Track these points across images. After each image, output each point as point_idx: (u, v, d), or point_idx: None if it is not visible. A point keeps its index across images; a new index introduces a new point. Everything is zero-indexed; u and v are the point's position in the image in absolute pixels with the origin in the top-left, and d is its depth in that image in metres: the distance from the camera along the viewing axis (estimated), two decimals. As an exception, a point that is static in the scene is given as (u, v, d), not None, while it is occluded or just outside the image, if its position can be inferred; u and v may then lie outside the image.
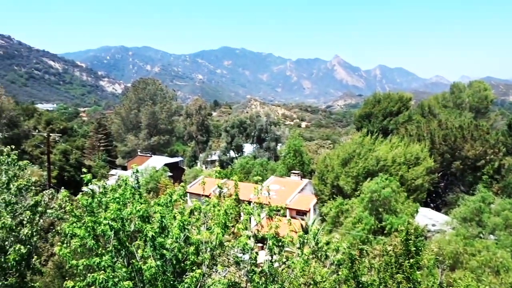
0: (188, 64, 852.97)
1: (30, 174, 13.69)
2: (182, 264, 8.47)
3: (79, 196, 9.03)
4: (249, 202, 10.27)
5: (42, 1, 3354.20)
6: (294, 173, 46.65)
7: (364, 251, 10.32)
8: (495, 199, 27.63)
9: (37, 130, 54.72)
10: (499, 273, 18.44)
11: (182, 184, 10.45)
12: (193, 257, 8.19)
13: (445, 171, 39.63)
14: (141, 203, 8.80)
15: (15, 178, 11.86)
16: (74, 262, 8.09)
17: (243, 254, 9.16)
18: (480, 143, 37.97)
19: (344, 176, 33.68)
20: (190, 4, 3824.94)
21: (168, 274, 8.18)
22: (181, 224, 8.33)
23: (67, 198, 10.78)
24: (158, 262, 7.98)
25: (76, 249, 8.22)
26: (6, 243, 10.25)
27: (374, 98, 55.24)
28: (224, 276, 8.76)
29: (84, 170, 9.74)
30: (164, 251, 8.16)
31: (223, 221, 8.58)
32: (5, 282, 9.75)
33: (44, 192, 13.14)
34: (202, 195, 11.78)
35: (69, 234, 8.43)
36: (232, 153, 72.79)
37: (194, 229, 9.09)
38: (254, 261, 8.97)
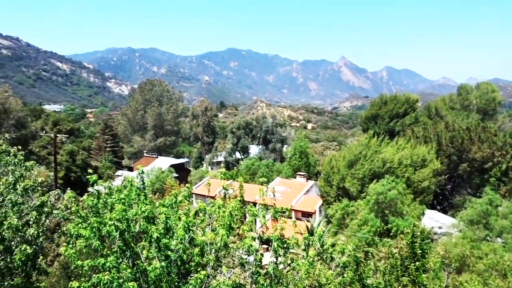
0: (194, 65, 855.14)
1: (36, 174, 13.75)
2: (187, 266, 8.46)
3: (84, 197, 9.05)
4: (255, 204, 10.26)
5: (51, 3, 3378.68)
6: (299, 174, 46.58)
7: (370, 254, 10.24)
8: (503, 202, 27.44)
9: (44, 131, 55.06)
10: (507, 276, 18.30)
11: (187, 185, 10.45)
12: (197, 258, 8.18)
13: (452, 173, 39.41)
14: (146, 204, 8.80)
15: (22, 179, 11.91)
16: (79, 262, 8.11)
17: (248, 255, 9.14)
18: (487, 145, 37.71)
19: (350, 178, 33.58)
20: (196, 6, 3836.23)
21: (173, 275, 8.18)
22: (186, 225, 8.33)
23: (73, 199, 10.81)
24: (163, 263, 7.98)
25: (81, 249, 8.23)
26: (12, 243, 10.29)
27: (380, 100, 55.04)
28: (229, 278, 8.74)
29: (90, 171, 9.75)
30: (169, 252, 8.16)
31: (228, 223, 8.56)
32: (11, 282, 9.79)
33: (50, 192, 13.19)
34: (208, 196, 11.78)
35: (74, 235, 8.46)
36: (238, 155, 72.81)
37: (199, 231, 9.09)
38: (259, 263, 8.94)
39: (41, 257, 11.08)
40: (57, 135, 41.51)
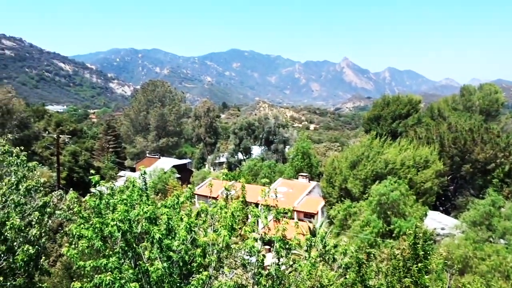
0: (197, 66, 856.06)
1: (39, 175, 13.79)
2: (189, 266, 8.47)
3: (87, 197, 9.07)
4: (257, 205, 10.26)
5: (54, 4, 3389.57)
6: (302, 175, 46.56)
7: (372, 255, 10.23)
8: (506, 203, 27.36)
9: (47, 132, 55.15)
10: (509, 278, 18.25)
11: (189, 186, 10.47)
12: (199, 259, 8.18)
13: (454, 174, 39.33)
14: (148, 205, 8.81)
15: (24, 179, 11.93)
16: (81, 263, 8.13)
17: (250, 256, 9.14)
18: (490, 146, 37.62)
19: (352, 178, 33.55)
20: (199, 7, 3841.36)
21: (175, 276, 8.18)
22: (188, 226, 8.34)
23: (75, 199, 10.82)
24: (165, 264, 7.99)
25: (83, 250, 8.25)
26: (15, 243, 10.31)
27: (383, 101, 54.98)
28: (231, 279, 8.74)
29: (92, 171, 9.76)
30: (171, 253, 8.17)
31: (230, 224, 8.57)
32: (14, 283, 9.81)
33: (53, 193, 13.21)
34: (210, 197, 11.78)
35: (76, 235, 8.47)
36: (240, 155, 72.82)
37: (201, 231, 9.09)
38: (261, 264, 8.94)
39: (43, 257, 11.09)
40: (60, 135, 41.60)
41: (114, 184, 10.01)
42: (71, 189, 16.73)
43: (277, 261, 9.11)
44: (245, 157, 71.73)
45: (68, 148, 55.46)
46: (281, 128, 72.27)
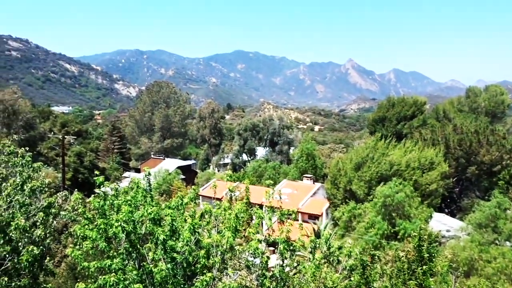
0: (201, 67, 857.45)
1: (44, 175, 13.83)
2: (193, 268, 8.46)
3: (91, 198, 9.09)
4: (261, 206, 10.24)
5: (60, 5, 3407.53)
6: (306, 177, 46.49)
7: (376, 257, 10.19)
8: (511, 205, 27.19)
9: (52, 133, 55.48)
10: (515, 280, 18.11)
11: (194, 187, 10.46)
12: (203, 260, 8.18)
13: (460, 176, 39.14)
14: (153, 206, 8.82)
15: (29, 180, 11.99)
16: (85, 264, 8.14)
17: (254, 258, 9.12)
18: (496, 148, 37.42)
19: (357, 180, 33.46)
20: (204, 8, 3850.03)
21: (179, 277, 8.18)
22: (192, 227, 8.34)
23: (80, 200, 10.85)
24: (169, 265, 7.99)
25: (88, 251, 8.27)
26: (20, 244, 10.35)
27: (388, 102, 54.81)
28: (235, 280, 8.73)
29: (97, 172, 9.79)
30: (175, 254, 8.16)
31: (234, 225, 8.56)
32: (18, 283, 9.84)
33: (57, 193, 13.26)
34: (214, 198, 11.78)
35: (81, 236, 8.49)
36: (244, 156, 72.85)
37: (205, 233, 9.09)
38: (265, 265, 8.92)
39: (48, 258, 11.14)
40: (65, 136, 41.79)
41: (118, 185, 10.04)
42: (76, 190, 16.78)
43: (281, 262, 9.09)
44: (249, 158, 71.74)
45: (73, 149, 55.70)
46: (286, 130, 72.24)
